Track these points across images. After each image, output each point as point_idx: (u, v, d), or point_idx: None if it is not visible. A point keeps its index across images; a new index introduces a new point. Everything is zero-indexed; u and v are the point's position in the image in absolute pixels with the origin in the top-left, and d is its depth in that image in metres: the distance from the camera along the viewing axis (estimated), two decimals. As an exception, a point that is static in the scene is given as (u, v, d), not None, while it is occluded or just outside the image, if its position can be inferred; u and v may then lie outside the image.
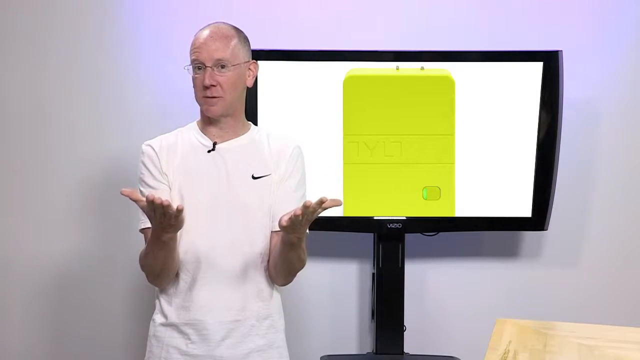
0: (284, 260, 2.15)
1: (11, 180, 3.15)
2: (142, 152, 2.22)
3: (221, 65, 2.15)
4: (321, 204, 1.91)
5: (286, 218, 1.96)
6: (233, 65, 2.16)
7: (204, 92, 2.16)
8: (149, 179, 2.19)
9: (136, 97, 3.11)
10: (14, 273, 3.17)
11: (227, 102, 2.18)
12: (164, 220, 1.95)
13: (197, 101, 2.21)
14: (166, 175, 2.18)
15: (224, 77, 2.16)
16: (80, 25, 3.10)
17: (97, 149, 3.13)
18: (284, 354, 2.29)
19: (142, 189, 2.20)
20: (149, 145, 2.22)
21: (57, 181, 3.14)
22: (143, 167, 2.21)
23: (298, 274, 2.23)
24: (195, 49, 2.17)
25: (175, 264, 2.15)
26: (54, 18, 3.10)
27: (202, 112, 2.23)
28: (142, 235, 2.19)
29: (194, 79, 2.18)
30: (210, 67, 2.14)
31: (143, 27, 3.09)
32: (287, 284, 2.26)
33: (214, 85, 2.14)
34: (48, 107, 3.13)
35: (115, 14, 3.09)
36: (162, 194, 2.12)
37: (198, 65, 2.16)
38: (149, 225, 2.11)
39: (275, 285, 2.27)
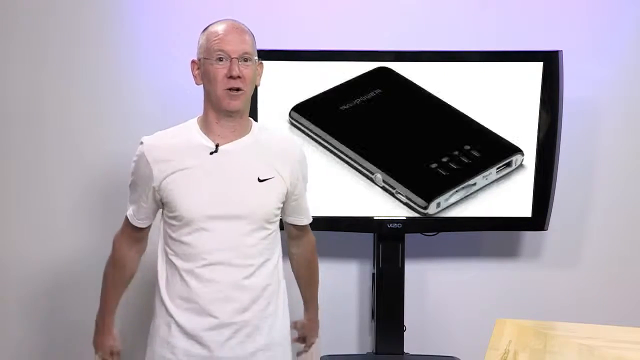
0: None
1: (10, 180, 3.14)
2: (137, 153, 2.19)
3: (245, 58, 2.12)
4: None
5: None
6: (254, 58, 2.15)
7: (227, 84, 2.11)
8: (133, 184, 2.23)
9: (136, 97, 3.11)
10: (12, 273, 3.16)
11: (246, 97, 2.15)
12: None
13: (214, 94, 2.13)
14: (155, 184, 2.16)
15: (248, 70, 2.12)
16: (80, 25, 3.10)
17: (96, 148, 3.13)
18: (287, 351, 2.30)
19: (130, 182, 2.24)
20: (144, 146, 2.18)
21: (56, 181, 3.14)
22: (133, 167, 2.21)
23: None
24: (217, 39, 2.11)
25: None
26: (54, 18, 3.09)
27: (209, 108, 2.17)
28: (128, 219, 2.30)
29: (213, 71, 2.11)
30: (237, 58, 2.10)
31: (143, 27, 3.09)
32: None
33: (239, 77, 2.10)
34: (47, 107, 3.12)
35: (115, 14, 3.09)
36: (142, 201, 2.22)
37: (220, 57, 2.10)
38: (130, 218, 2.28)
39: (280, 284, 2.28)
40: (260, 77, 2.24)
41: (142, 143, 2.19)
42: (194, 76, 2.19)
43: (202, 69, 2.16)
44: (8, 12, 3.10)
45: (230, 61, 2.10)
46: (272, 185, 2.19)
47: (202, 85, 2.19)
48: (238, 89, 2.12)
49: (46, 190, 3.14)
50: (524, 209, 2.94)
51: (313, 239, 2.47)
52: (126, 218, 2.30)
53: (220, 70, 2.11)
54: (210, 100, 2.17)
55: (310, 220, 2.42)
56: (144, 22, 3.09)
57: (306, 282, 2.49)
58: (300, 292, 2.51)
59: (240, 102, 2.14)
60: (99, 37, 3.10)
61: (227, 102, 2.13)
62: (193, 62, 2.19)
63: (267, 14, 3.06)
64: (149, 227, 2.32)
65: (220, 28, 2.14)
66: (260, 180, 2.18)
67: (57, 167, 3.13)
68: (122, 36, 3.10)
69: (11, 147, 3.14)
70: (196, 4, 3.04)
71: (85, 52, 3.10)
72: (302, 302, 2.50)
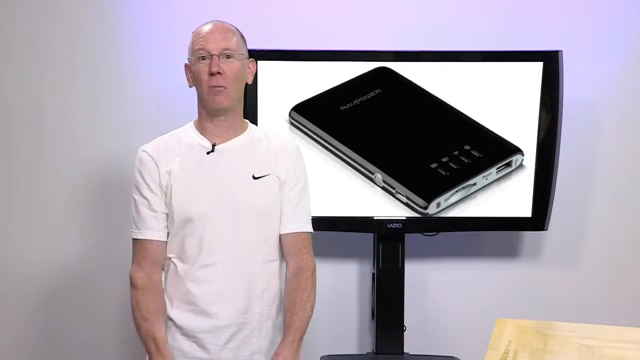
0: None
1: (10, 180, 3.14)
2: (139, 159, 2.20)
3: (226, 55, 2.13)
4: None
5: None
6: (238, 54, 2.16)
7: (209, 81, 2.12)
8: (144, 190, 2.18)
9: (136, 97, 3.11)
10: (11, 274, 3.16)
11: (232, 93, 2.16)
12: None
13: (201, 95, 2.17)
14: (162, 185, 2.17)
15: (230, 66, 2.14)
16: (80, 25, 3.10)
17: (96, 149, 3.13)
18: None
19: (136, 196, 2.20)
20: (145, 151, 2.20)
21: (56, 182, 3.14)
22: (138, 175, 2.20)
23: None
24: (199, 39, 2.14)
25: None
26: (54, 18, 3.10)
27: (201, 109, 2.20)
28: (134, 243, 2.20)
29: (197, 70, 2.14)
30: (217, 55, 2.12)
31: (143, 27, 3.09)
32: None
33: (219, 73, 2.12)
34: (47, 108, 3.12)
35: (115, 14, 3.09)
36: (156, 206, 2.16)
37: (202, 56, 2.13)
38: (143, 237, 2.16)
39: (279, 287, 2.27)
40: (252, 75, 2.25)
41: (142, 151, 2.21)
42: (188, 79, 2.22)
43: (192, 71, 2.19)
44: (8, 12, 3.10)
45: (211, 58, 2.12)
46: (267, 183, 2.20)
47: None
48: (219, 86, 2.13)
49: (45, 191, 3.14)
50: (524, 209, 2.94)
51: (311, 264, 2.23)
52: (137, 244, 2.18)
53: (203, 69, 2.13)
54: (201, 101, 2.20)
55: (307, 230, 2.25)
56: (144, 23, 3.09)
57: (288, 307, 2.19)
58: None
59: (224, 98, 2.15)
60: (99, 37, 3.10)
61: (212, 98, 2.15)
62: (186, 65, 2.22)
63: (266, 14, 3.06)
64: (166, 244, 2.19)
65: (204, 28, 2.17)
66: (255, 178, 2.18)
67: (57, 168, 3.13)
68: (122, 37, 3.10)
69: (11, 147, 3.14)
70: (196, 4, 3.05)
71: (85, 52, 3.11)
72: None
